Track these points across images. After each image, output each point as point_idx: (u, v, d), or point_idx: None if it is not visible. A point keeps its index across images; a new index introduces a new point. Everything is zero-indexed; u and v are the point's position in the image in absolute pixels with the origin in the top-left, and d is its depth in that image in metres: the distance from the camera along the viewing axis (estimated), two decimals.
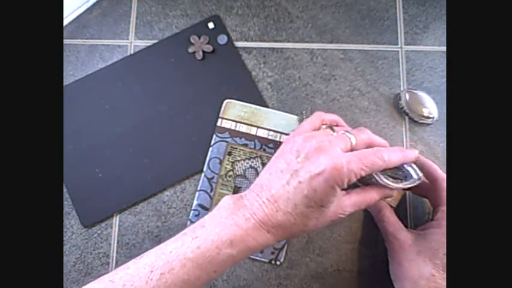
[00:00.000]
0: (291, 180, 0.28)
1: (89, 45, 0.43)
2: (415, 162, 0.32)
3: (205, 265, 0.26)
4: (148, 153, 0.40)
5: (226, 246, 0.26)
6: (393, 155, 0.29)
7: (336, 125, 0.35)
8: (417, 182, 0.31)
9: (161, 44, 0.43)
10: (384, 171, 0.31)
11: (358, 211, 0.38)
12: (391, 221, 0.35)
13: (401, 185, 0.31)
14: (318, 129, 0.33)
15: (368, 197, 0.31)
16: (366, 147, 0.30)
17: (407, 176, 0.32)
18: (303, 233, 0.29)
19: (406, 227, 0.34)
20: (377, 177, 0.31)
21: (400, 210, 0.38)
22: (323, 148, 0.28)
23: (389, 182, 0.31)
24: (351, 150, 0.29)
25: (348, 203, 0.30)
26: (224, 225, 0.27)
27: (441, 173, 0.34)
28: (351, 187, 0.32)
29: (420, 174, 0.31)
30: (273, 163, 0.30)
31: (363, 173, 0.28)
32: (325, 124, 0.34)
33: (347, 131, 0.31)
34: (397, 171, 0.32)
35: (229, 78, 0.41)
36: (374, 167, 0.28)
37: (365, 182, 0.33)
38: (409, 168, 0.32)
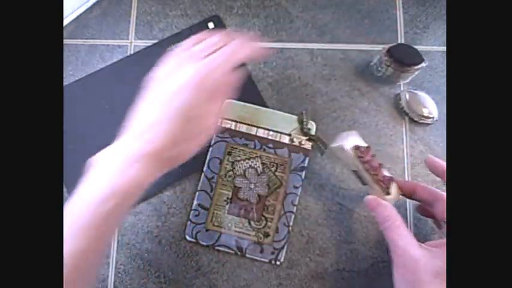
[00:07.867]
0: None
1: (89, 45, 0.43)
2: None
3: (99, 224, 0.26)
4: None
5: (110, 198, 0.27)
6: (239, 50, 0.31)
7: None
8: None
9: (161, 44, 0.43)
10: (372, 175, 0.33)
11: (359, 212, 0.39)
12: (403, 233, 0.30)
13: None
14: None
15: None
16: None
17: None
18: (179, 156, 0.30)
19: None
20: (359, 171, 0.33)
21: (400, 211, 0.37)
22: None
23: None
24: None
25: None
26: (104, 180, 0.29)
27: (442, 193, 0.33)
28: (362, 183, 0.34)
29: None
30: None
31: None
32: None
33: None
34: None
35: None
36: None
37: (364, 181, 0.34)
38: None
